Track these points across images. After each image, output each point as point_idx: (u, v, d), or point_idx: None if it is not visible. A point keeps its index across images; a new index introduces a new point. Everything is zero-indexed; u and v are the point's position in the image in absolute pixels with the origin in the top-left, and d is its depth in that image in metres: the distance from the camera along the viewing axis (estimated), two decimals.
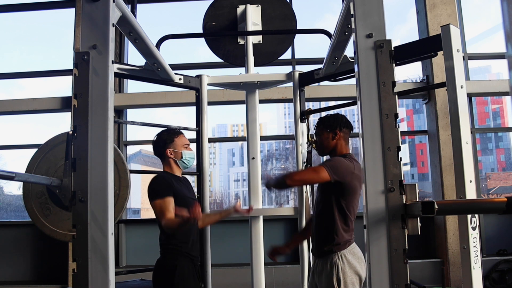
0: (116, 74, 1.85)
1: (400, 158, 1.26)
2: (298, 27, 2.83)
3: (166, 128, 2.28)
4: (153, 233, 2.67)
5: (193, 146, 2.64)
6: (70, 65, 5.18)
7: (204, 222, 2.35)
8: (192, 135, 2.65)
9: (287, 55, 4.43)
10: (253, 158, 2.68)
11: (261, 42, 2.79)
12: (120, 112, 5.20)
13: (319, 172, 2.02)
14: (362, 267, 2.05)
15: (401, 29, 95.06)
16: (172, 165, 2.15)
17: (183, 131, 2.26)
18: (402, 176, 1.25)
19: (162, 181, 2.02)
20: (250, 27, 2.71)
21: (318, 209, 2.18)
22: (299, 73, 2.62)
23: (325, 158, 2.45)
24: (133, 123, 2.46)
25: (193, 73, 2.67)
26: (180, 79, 2.48)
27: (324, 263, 2.08)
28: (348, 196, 2.09)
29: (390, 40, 1.30)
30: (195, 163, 2.32)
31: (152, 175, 2.16)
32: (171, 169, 2.15)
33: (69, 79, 5.23)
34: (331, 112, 2.42)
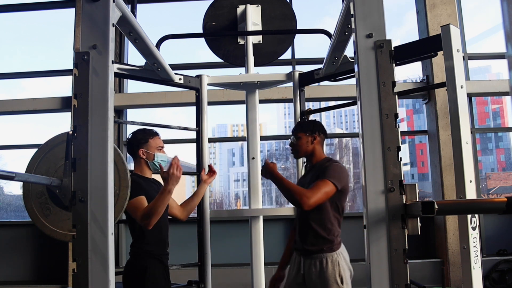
0: (116, 74, 1.85)
1: (400, 158, 1.26)
2: (298, 27, 2.83)
3: (143, 128, 2.23)
4: None
5: (193, 146, 2.64)
6: (70, 65, 5.19)
7: (186, 210, 2.34)
8: (192, 135, 2.65)
9: (287, 55, 4.42)
10: (253, 158, 2.68)
11: (261, 42, 2.79)
12: (120, 112, 5.20)
13: (329, 190, 2.04)
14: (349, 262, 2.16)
15: (398, 32, 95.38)
16: (142, 166, 2.12)
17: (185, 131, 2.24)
18: (402, 176, 1.25)
19: (131, 183, 1.90)
20: (250, 27, 2.71)
21: (310, 210, 2.14)
22: (299, 73, 2.62)
23: (300, 160, 2.49)
24: (133, 123, 2.46)
25: (193, 73, 2.67)
26: (180, 79, 2.48)
27: (321, 262, 2.09)
28: (343, 198, 2.16)
29: (390, 40, 1.30)
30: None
31: (152, 175, 2.16)
32: (141, 171, 2.12)
33: (69, 79, 5.23)
34: (331, 112, 2.43)
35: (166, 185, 1.90)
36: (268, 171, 2.13)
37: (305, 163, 2.57)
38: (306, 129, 2.24)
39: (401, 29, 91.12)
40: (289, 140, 2.30)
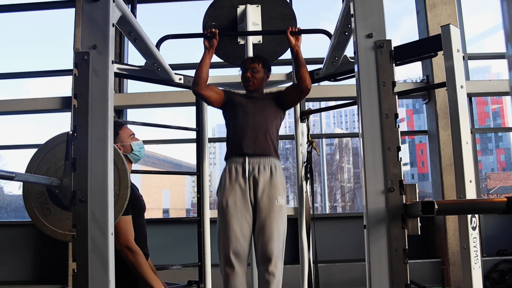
0: (116, 74, 1.85)
1: (400, 158, 1.26)
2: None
3: None
4: (153, 233, 2.67)
5: (193, 146, 2.64)
6: (70, 65, 5.19)
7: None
8: (192, 135, 2.65)
9: (287, 55, 4.42)
10: None
11: (261, 42, 2.79)
12: (120, 112, 5.20)
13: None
14: None
15: (393, 35, 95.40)
16: None
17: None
18: (402, 176, 1.25)
19: None
20: (250, 27, 2.71)
21: (264, 119, 2.26)
22: None
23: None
24: (133, 123, 2.46)
25: (193, 73, 2.67)
26: (180, 79, 2.48)
27: (270, 163, 2.20)
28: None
29: (390, 40, 1.30)
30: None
31: (152, 175, 2.15)
32: None
33: (70, 80, 5.23)
34: (331, 112, 2.43)
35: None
36: (299, 44, 2.26)
37: (305, 163, 2.58)
38: (265, 66, 2.38)
39: (396, 33, 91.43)
40: (246, 71, 2.35)
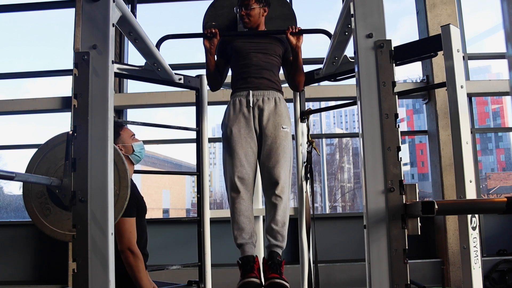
0: (116, 74, 1.85)
1: (400, 158, 1.26)
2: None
3: None
4: (153, 233, 2.67)
5: (193, 146, 2.64)
6: (70, 65, 5.19)
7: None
8: (192, 135, 2.65)
9: None
10: None
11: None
12: (120, 112, 5.20)
13: None
14: None
15: (392, 36, 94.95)
16: None
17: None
18: (402, 176, 1.25)
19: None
20: None
21: (266, 53, 2.29)
22: None
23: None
24: (133, 123, 2.46)
25: (193, 73, 2.67)
26: (180, 79, 2.48)
27: (275, 95, 2.21)
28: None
29: (390, 40, 1.30)
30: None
31: (152, 175, 2.15)
32: None
33: (70, 80, 5.23)
34: (331, 112, 2.44)
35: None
36: (300, 45, 2.26)
37: (305, 163, 2.58)
38: (260, 1, 2.35)
39: (395, 33, 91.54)
40: (241, 9, 2.34)
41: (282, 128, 2.13)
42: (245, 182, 2.08)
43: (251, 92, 2.19)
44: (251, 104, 2.17)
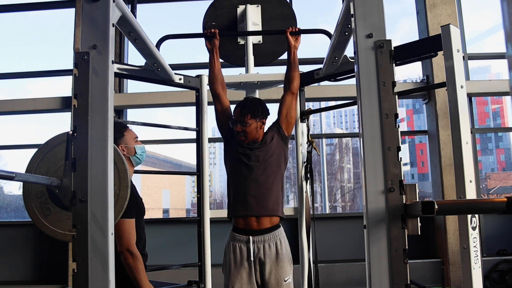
0: (116, 74, 1.85)
1: (400, 158, 1.26)
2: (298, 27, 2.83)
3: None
4: (153, 233, 2.67)
5: (193, 146, 2.64)
6: (70, 65, 5.19)
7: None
8: (192, 135, 2.65)
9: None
10: None
11: (261, 42, 2.79)
12: (120, 112, 5.20)
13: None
14: None
15: (391, 37, 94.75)
16: None
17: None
18: (402, 176, 1.25)
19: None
20: (250, 27, 2.71)
21: (266, 174, 2.17)
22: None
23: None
24: (133, 123, 2.46)
25: (193, 73, 2.67)
26: (180, 79, 2.48)
27: (275, 238, 2.15)
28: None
29: (390, 40, 1.30)
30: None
31: (152, 175, 2.16)
32: None
33: (70, 80, 5.23)
34: (331, 112, 2.44)
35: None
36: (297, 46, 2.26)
37: (305, 163, 2.58)
38: (256, 115, 2.23)
39: (394, 34, 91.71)
40: (236, 125, 2.22)
41: (284, 281, 2.15)
42: None
43: (251, 238, 2.14)
44: (252, 257, 2.13)
